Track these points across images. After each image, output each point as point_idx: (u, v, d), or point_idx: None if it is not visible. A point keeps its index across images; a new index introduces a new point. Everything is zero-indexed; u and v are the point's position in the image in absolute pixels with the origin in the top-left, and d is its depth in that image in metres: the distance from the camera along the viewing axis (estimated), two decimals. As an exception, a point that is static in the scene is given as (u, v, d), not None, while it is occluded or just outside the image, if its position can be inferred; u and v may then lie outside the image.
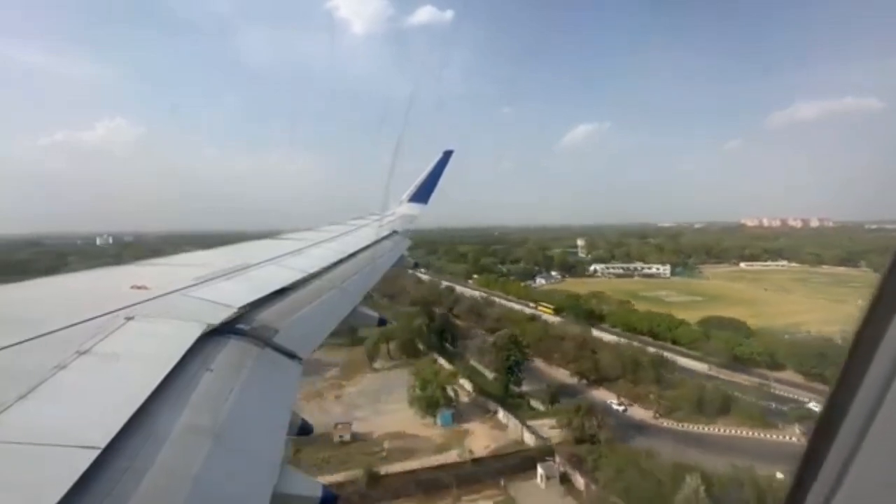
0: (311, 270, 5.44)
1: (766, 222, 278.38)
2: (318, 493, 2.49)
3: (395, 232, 10.73)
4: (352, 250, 7.34)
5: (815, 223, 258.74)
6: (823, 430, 1.11)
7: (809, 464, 1.12)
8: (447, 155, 14.92)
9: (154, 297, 3.52)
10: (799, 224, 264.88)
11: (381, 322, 6.14)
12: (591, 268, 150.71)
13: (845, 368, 1.10)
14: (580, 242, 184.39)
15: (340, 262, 6.47)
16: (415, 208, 13.90)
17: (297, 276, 5.06)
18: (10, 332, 2.49)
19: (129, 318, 2.99)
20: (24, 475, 1.53)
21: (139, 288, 3.70)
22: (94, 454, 1.61)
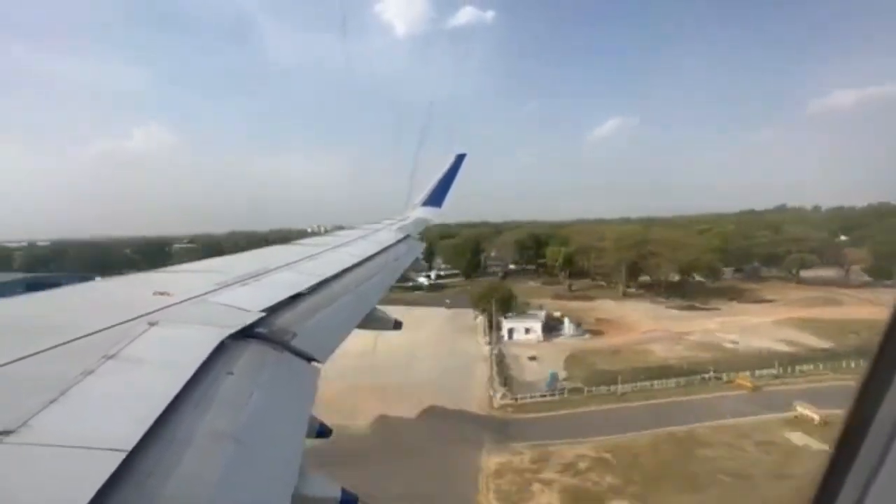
0: (327, 275, 5.51)
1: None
2: (338, 494, 2.51)
3: (408, 236, 10.82)
4: (366, 254, 7.41)
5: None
6: (849, 436, 1.08)
7: (835, 471, 1.09)
8: (460, 158, 14.97)
9: (176, 303, 3.61)
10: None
11: (397, 325, 6.18)
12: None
13: (871, 373, 1.06)
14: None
15: (355, 266, 6.55)
16: (428, 212, 13.97)
17: (314, 280, 5.13)
18: (41, 338, 2.58)
19: (152, 324, 3.07)
20: (56, 476, 1.58)
21: (162, 294, 3.80)
22: (121, 457, 1.66)
